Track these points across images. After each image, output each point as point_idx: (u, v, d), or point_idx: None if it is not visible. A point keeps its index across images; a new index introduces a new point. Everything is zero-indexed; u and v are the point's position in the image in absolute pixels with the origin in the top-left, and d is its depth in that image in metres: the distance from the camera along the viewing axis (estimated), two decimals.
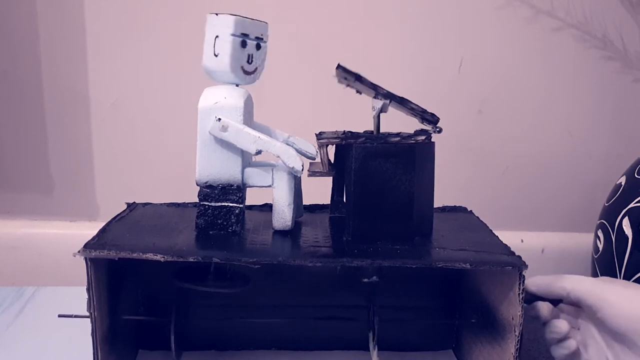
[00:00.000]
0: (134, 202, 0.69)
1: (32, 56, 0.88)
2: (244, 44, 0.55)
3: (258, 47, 0.57)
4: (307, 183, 0.63)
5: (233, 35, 0.54)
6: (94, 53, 0.89)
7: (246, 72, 0.57)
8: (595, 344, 0.54)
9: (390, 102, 0.58)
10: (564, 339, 0.55)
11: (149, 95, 0.90)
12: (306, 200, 0.65)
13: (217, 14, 0.55)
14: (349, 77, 0.56)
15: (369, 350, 0.62)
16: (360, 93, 0.60)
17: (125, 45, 0.89)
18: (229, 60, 0.55)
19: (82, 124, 0.91)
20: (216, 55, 0.55)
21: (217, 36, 0.55)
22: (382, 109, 0.58)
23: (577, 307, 0.56)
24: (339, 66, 0.56)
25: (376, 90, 0.58)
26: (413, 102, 0.58)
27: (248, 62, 0.56)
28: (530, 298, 0.57)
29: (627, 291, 0.52)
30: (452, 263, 0.52)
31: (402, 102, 0.58)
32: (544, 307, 0.56)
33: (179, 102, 0.88)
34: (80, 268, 0.52)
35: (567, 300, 0.55)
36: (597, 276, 0.75)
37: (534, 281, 0.57)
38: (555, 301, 0.56)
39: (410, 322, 0.69)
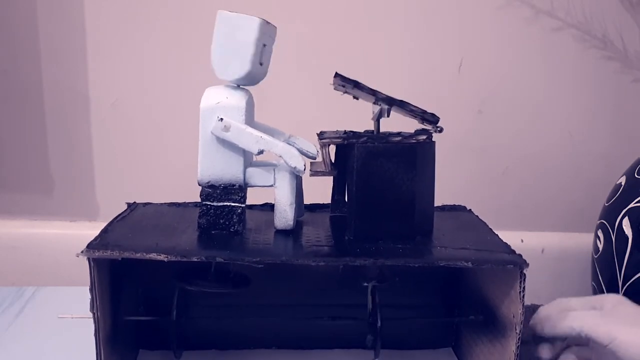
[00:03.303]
0: (135, 202, 0.68)
1: (32, 56, 0.88)
2: None
3: None
4: (307, 182, 0.63)
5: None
6: (94, 53, 0.89)
7: None
8: None
9: (390, 106, 0.58)
10: None
11: (149, 95, 0.90)
12: (306, 199, 0.65)
13: (267, 22, 0.54)
14: (347, 84, 0.56)
15: (369, 349, 0.62)
16: (358, 99, 0.60)
17: (125, 45, 0.89)
18: (266, 70, 0.57)
19: (82, 124, 0.91)
20: (261, 64, 0.55)
21: (265, 45, 0.55)
22: (382, 114, 0.58)
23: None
24: (336, 74, 0.56)
25: (375, 96, 0.58)
26: (412, 104, 0.58)
27: None
28: (534, 337, 0.57)
29: (637, 330, 0.51)
30: (454, 262, 0.52)
31: (401, 106, 0.58)
32: (545, 350, 0.57)
33: (179, 102, 0.88)
34: (80, 268, 0.52)
35: (577, 339, 0.55)
36: (598, 277, 0.75)
37: (538, 320, 0.56)
38: None
39: (409, 320, 0.69)
